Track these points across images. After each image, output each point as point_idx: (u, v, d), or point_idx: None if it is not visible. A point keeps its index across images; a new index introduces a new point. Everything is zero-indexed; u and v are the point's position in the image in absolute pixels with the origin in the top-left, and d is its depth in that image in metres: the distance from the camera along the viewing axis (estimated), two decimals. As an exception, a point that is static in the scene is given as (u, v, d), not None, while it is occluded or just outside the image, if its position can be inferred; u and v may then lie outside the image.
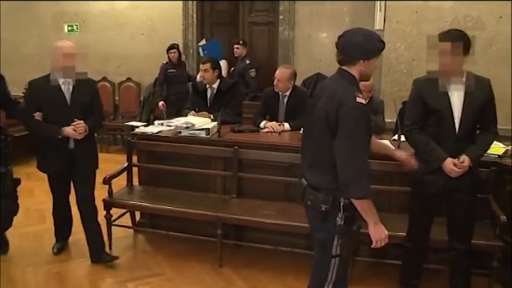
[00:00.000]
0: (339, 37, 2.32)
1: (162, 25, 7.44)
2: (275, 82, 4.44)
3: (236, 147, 3.89)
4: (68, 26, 7.91)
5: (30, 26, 8.00)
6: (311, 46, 6.96)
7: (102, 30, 7.71)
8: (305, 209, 2.46)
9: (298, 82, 6.09)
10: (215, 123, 4.10)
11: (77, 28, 7.90)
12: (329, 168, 2.26)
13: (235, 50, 6.81)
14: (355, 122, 2.18)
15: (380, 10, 5.95)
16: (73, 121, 3.44)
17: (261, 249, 3.89)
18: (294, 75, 4.49)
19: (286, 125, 4.32)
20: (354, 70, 2.30)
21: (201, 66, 4.65)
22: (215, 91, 4.64)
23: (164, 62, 6.77)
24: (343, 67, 2.33)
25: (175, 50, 6.65)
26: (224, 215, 3.67)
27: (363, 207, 2.24)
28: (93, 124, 3.59)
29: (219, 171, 4.02)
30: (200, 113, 4.54)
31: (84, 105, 3.54)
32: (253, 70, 6.71)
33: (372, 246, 2.32)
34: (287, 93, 4.49)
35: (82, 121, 3.46)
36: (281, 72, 4.41)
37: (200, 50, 6.79)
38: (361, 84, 4.39)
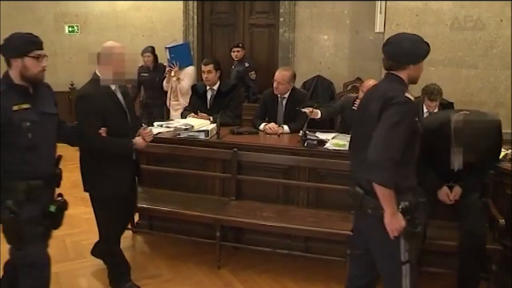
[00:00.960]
0: (384, 45, 2.40)
1: (163, 26, 7.45)
2: (275, 85, 4.42)
3: (235, 149, 3.89)
4: (69, 27, 7.91)
5: (30, 27, 7.97)
6: (312, 48, 6.97)
7: (103, 31, 7.72)
8: (363, 219, 2.42)
9: (298, 84, 6.12)
10: (214, 125, 4.10)
11: (78, 29, 7.90)
12: None
13: (235, 53, 6.78)
14: (401, 114, 2.20)
15: (380, 13, 5.94)
16: (133, 131, 3.21)
17: (259, 252, 3.88)
18: (294, 77, 4.48)
19: (286, 127, 4.31)
20: (403, 74, 2.37)
21: (204, 68, 4.57)
22: (215, 92, 4.63)
23: (139, 65, 6.38)
24: (392, 72, 2.39)
25: (149, 54, 6.25)
26: (222, 217, 3.67)
27: (384, 194, 2.21)
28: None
29: (218, 173, 4.02)
30: (199, 115, 4.52)
31: (133, 111, 3.31)
32: (253, 72, 6.70)
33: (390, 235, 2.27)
34: (286, 95, 4.48)
35: (150, 128, 3.35)
36: (281, 75, 4.40)
37: (167, 52, 5.89)
38: (363, 85, 4.44)
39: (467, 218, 3.13)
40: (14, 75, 2.54)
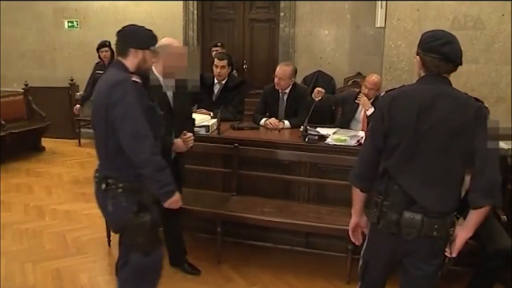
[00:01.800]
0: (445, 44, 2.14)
1: (163, 22, 7.41)
2: (276, 80, 4.41)
3: (236, 145, 3.88)
4: (68, 22, 7.88)
5: (30, 22, 7.98)
6: (312, 43, 6.95)
7: (103, 26, 7.68)
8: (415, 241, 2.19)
9: (299, 80, 6.10)
10: (215, 120, 4.08)
11: (77, 24, 7.87)
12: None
13: (214, 53, 6.65)
14: None
15: (381, 8, 5.92)
16: (178, 130, 3.19)
17: (260, 247, 3.89)
18: (294, 72, 4.48)
19: (286, 123, 4.30)
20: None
21: (218, 62, 4.54)
22: (222, 86, 4.61)
23: (96, 62, 6.08)
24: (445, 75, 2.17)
25: (106, 49, 5.83)
26: (223, 212, 3.66)
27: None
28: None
29: (219, 168, 4.01)
30: (199, 110, 4.50)
31: (185, 110, 3.30)
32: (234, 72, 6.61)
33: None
34: (287, 91, 4.47)
35: (191, 134, 3.27)
36: (282, 70, 4.38)
37: None
38: (367, 80, 4.43)
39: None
40: (130, 65, 2.53)
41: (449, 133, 2.07)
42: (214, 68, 4.57)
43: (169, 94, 3.16)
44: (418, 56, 2.21)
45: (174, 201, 2.54)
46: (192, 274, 3.59)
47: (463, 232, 2.17)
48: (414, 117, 2.10)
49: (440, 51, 2.12)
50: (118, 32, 2.60)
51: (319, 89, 4.29)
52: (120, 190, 2.44)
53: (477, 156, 2.05)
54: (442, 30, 2.24)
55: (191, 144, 3.24)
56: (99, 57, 5.84)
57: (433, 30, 2.25)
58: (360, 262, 2.45)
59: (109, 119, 2.38)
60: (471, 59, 5.21)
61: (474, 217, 2.11)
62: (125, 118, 2.35)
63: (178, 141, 3.17)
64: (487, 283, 3.11)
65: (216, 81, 4.64)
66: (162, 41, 3.04)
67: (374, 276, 2.42)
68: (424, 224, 2.12)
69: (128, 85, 2.39)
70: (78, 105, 6.11)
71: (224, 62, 4.54)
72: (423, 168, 2.12)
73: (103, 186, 2.46)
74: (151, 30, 2.64)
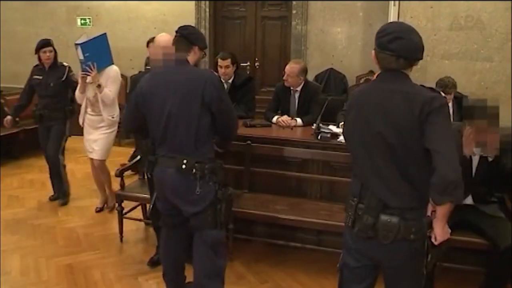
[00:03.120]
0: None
1: (175, 19, 7.41)
2: (285, 77, 4.40)
3: (249, 142, 3.88)
4: (81, 19, 7.92)
5: (43, 20, 8.03)
6: (324, 40, 6.92)
7: (115, 23, 7.72)
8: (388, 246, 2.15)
9: (311, 77, 6.08)
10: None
11: (90, 22, 7.92)
12: None
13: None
14: None
15: (394, 5, 5.88)
16: None
17: (272, 244, 3.89)
18: (304, 70, 4.44)
19: (299, 120, 4.28)
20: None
21: (222, 62, 4.48)
22: (229, 86, 4.60)
23: (35, 65, 4.93)
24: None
25: (50, 49, 4.78)
26: (235, 209, 3.64)
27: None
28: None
29: (232, 165, 4.00)
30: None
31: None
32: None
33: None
34: (299, 88, 4.46)
35: None
36: (290, 67, 4.37)
37: (79, 51, 4.28)
38: (374, 77, 4.38)
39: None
40: (191, 61, 2.81)
41: (399, 132, 2.02)
42: (218, 69, 4.50)
43: None
44: (373, 51, 2.13)
45: None
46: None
47: (436, 225, 2.11)
48: (368, 117, 2.09)
49: (388, 47, 2.05)
50: (181, 29, 2.83)
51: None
52: (206, 171, 2.69)
53: (431, 153, 1.97)
54: (398, 23, 2.18)
55: None
56: (39, 59, 4.76)
57: (388, 23, 2.20)
58: (338, 267, 2.40)
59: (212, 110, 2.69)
60: (485, 57, 5.17)
61: (441, 211, 2.06)
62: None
63: None
64: (501, 282, 3.09)
65: (223, 81, 4.61)
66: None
67: (352, 283, 2.33)
68: (401, 227, 2.06)
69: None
70: (9, 117, 5.01)
71: (228, 62, 4.47)
72: (382, 168, 2.08)
73: (193, 171, 2.68)
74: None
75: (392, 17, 5.93)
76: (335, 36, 6.87)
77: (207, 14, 7.31)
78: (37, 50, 4.72)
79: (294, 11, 6.90)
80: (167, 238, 3.04)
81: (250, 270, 3.68)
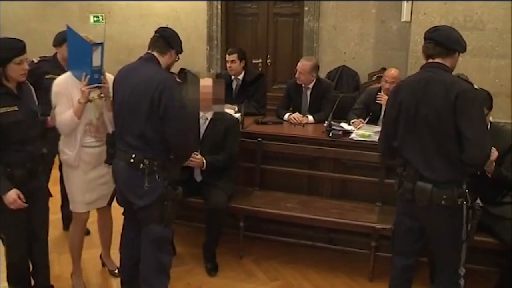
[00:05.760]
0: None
1: (186, 16, 7.43)
2: (297, 74, 4.39)
3: (260, 139, 3.87)
4: (94, 16, 7.96)
5: (57, 17, 8.07)
6: (336, 37, 6.86)
7: (127, 20, 7.74)
8: (429, 210, 2.55)
9: (323, 75, 6.04)
10: (239, 114, 4.07)
11: (102, 19, 7.94)
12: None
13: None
14: None
15: (407, 1, 5.82)
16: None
17: (282, 242, 3.88)
18: (316, 68, 4.42)
19: (310, 118, 4.27)
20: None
21: (228, 57, 4.56)
22: (240, 82, 4.60)
23: (42, 58, 4.23)
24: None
25: None
26: (246, 207, 3.66)
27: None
28: (216, 160, 3.53)
29: (242, 163, 4.00)
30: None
31: (216, 142, 3.55)
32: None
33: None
34: (310, 86, 4.44)
35: (199, 156, 3.44)
36: (302, 65, 4.36)
37: (98, 53, 2.99)
38: (386, 75, 4.36)
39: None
40: (163, 62, 2.85)
41: (439, 115, 2.43)
42: (226, 63, 4.59)
43: (202, 122, 3.54)
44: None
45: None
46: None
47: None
48: (411, 101, 2.52)
49: (428, 36, 2.56)
50: (161, 30, 2.87)
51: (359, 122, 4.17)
52: (155, 168, 2.71)
53: (462, 138, 2.40)
54: (443, 25, 2.66)
55: (192, 164, 3.42)
56: (55, 54, 4.06)
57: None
58: (391, 229, 2.85)
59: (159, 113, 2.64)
60: (500, 54, 5.09)
61: None
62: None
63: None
64: None
65: (233, 77, 4.63)
66: None
67: (401, 241, 2.77)
68: (433, 192, 2.47)
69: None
70: None
71: (234, 56, 4.51)
72: (420, 145, 2.52)
73: (141, 166, 2.69)
74: None
75: (405, 14, 5.87)
76: (347, 33, 6.81)
77: (219, 11, 7.30)
78: (62, 42, 3.82)
79: (306, 8, 6.85)
80: (126, 229, 3.12)
81: (260, 268, 3.68)
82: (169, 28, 2.92)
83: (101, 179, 3.18)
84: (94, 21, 7.95)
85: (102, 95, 3.05)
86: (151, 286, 2.89)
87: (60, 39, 3.83)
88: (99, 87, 3.01)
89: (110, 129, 3.07)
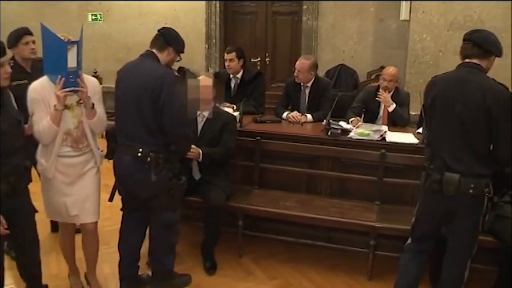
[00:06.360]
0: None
1: (185, 15, 7.42)
2: (295, 73, 4.39)
3: (258, 138, 3.86)
4: (92, 15, 7.95)
5: (55, 16, 8.06)
6: (335, 36, 6.87)
7: (126, 19, 7.73)
8: (456, 199, 2.63)
9: (322, 73, 6.04)
10: (237, 113, 4.07)
11: (100, 17, 7.93)
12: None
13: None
14: None
15: (406, 0, 5.82)
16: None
17: (281, 241, 3.87)
18: (314, 66, 4.42)
19: (309, 116, 4.26)
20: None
21: (226, 56, 4.58)
22: (238, 81, 4.60)
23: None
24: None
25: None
26: (245, 205, 3.66)
27: None
28: (212, 151, 3.52)
29: (241, 161, 4.00)
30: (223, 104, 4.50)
31: (212, 138, 3.56)
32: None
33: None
34: (309, 84, 4.44)
35: (197, 149, 3.43)
36: (301, 63, 4.35)
37: (73, 52, 2.77)
38: (384, 73, 4.36)
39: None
40: (162, 59, 2.94)
41: (470, 113, 2.53)
42: (224, 62, 4.62)
43: (199, 120, 3.56)
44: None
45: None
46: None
47: None
48: (446, 97, 2.62)
49: (467, 37, 2.64)
50: (162, 29, 3.00)
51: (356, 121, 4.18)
52: (160, 161, 2.83)
53: (492, 138, 2.54)
54: (483, 29, 2.72)
55: (189, 156, 3.39)
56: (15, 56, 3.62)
57: None
58: (412, 220, 2.90)
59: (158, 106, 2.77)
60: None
61: None
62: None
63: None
64: None
65: (231, 76, 4.63)
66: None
67: (423, 230, 2.86)
68: (461, 182, 2.57)
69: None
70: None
71: (232, 55, 4.52)
72: (450, 139, 2.61)
73: (148, 159, 2.80)
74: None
75: (404, 13, 5.89)
76: (346, 32, 6.82)
77: (218, 9, 7.30)
78: (16, 42, 3.59)
79: (305, 7, 6.86)
80: (126, 222, 3.23)
81: (259, 267, 3.68)
82: (171, 28, 3.03)
83: (84, 190, 2.98)
84: (92, 20, 7.94)
85: (81, 101, 2.80)
86: (162, 264, 3.19)
87: (14, 39, 3.55)
88: (75, 91, 2.75)
89: (91, 139, 2.91)
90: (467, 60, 2.64)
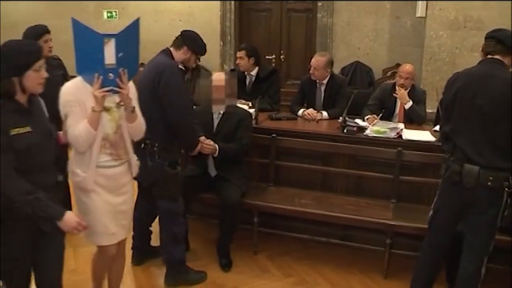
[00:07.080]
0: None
1: (200, 12, 7.44)
2: (311, 70, 4.37)
3: (274, 135, 3.86)
4: (107, 12, 7.99)
5: (71, 13, 8.08)
6: (350, 33, 6.84)
7: (141, 16, 7.72)
8: (475, 191, 2.66)
9: (337, 70, 6.02)
10: (253, 110, 4.07)
11: (116, 15, 7.98)
12: None
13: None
14: None
15: (422, -1, 5.78)
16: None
17: (296, 238, 3.87)
18: (330, 63, 4.40)
19: (324, 114, 4.25)
20: None
21: (237, 54, 4.66)
22: (253, 78, 4.60)
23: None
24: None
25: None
26: (260, 203, 3.66)
27: None
28: (228, 147, 3.54)
29: (257, 159, 4.00)
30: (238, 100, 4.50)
31: (228, 134, 3.60)
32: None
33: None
34: (324, 81, 4.42)
35: (212, 144, 3.46)
36: (316, 60, 4.34)
37: (111, 48, 2.38)
38: (400, 71, 4.33)
39: None
40: (177, 57, 3.19)
41: (493, 107, 2.58)
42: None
43: (215, 116, 3.61)
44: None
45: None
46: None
47: None
48: (468, 91, 2.65)
49: (490, 35, 2.71)
50: (184, 31, 3.24)
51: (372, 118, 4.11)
52: (155, 149, 3.04)
53: None
54: (505, 28, 2.76)
55: (205, 151, 3.46)
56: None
57: None
58: (430, 213, 2.91)
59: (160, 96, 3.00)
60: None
61: None
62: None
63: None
64: None
65: (246, 73, 4.64)
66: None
67: (441, 222, 2.87)
68: (480, 174, 2.60)
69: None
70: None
71: (242, 53, 4.56)
72: (471, 133, 2.65)
73: (142, 145, 2.97)
74: (205, 44, 3.25)
75: (420, 10, 5.84)
76: (361, 29, 6.78)
77: (233, 6, 7.31)
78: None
79: (319, 4, 6.84)
80: (138, 203, 3.34)
81: (274, 264, 3.68)
82: (193, 31, 3.25)
83: (121, 206, 2.65)
84: (108, 17, 7.99)
85: (121, 103, 2.50)
86: (168, 253, 3.32)
87: (35, 37, 3.41)
88: (115, 92, 2.43)
89: (129, 146, 2.63)
90: (489, 56, 2.68)
